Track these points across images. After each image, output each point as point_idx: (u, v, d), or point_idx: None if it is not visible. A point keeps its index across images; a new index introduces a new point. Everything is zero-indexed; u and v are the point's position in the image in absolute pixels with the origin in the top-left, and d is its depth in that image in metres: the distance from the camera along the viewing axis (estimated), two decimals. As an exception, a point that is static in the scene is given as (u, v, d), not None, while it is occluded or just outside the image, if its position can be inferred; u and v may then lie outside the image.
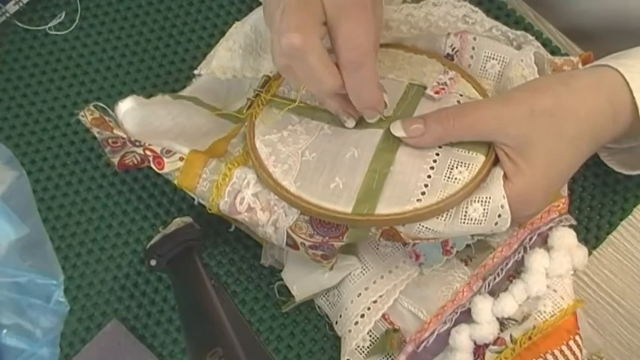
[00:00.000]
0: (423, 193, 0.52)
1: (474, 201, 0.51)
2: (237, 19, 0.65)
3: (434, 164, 0.53)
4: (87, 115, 0.56)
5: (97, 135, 0.57)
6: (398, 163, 0.53)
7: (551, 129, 0.51)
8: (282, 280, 0.60)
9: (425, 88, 0.57)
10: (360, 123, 0.55)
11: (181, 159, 0.55)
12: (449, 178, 0.52)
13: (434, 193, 0.51)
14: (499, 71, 0.60)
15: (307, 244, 0.53)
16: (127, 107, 0.58)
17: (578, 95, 0.52)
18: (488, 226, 0.52)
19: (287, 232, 0.53)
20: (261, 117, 0.57)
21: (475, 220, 0.51)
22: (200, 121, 0.60)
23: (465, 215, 0.51)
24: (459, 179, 0.52)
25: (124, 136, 0.56)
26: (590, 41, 0.67)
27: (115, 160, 0.57)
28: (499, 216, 0.51)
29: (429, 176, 0.52)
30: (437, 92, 0.56)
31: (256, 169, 0.54)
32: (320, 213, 0.52)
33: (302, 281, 0.59)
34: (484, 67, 0.60)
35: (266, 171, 0.54)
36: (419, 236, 0.52)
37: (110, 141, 0.56)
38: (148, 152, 0.55)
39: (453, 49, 0.61)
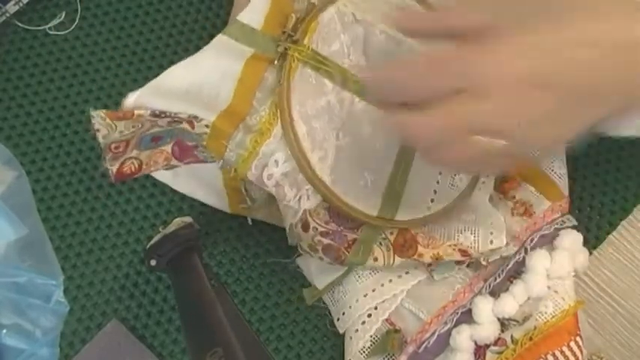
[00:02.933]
0: (432, 200, 0.54)
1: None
2: (237, 20, 0.65)
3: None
4: (99, 116, 0.52)
5: (101, 140, 0.53)
6: (415, 167, 0.54)
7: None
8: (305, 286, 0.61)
9: None
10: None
11: (207, 126, 0.52)
12: (452, 185, 0.55)
13: (440, 201, 0.54)
14: None
15: (320, 229, 0.53)
16: (136, 93, 0.53)
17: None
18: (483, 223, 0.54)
19: (304, 214, 0.53)
20: (297, 76, 0.52)
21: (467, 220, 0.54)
22: (210, 65, 0.54)
23: (459, 219, 0.55)
24: (459, 187, 0.55)
25: (146, 113, 0.52)
26: None
27: (114, 168, 0.55)
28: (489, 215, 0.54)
29: (438, 182, 0.54)
30: None
31: (293, 150, 0.52)
32: (347, 212, 0.52)
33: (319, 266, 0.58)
34: None
35: (304, 157, 0.52)
36: (432, 234, 0.54)
37: (113, 146, 0.54)
38: (176, 119, 0.52)
39: None
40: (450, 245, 0.55)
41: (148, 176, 0.64)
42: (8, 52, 0.67)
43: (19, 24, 0.68)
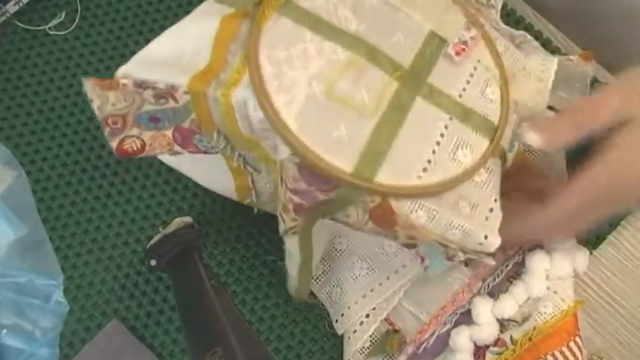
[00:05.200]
0: (425, 170, 0.47)
1: (463, 198, 0.48)
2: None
3: (440, 138, 0.48)
4: (89, 83, 0.50)
5: (97, 112, 0.51)
6: (407, 126, 0.48)
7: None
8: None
9: (445, 42, 0.52)
10: (374, 58, 0.49)
11: (186, 92, 0.49)
12: (453, 158, 0.48)
13: (435, 172, 0.47)
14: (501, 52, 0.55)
15: (289, 185, 0.48)
16: (126, 65, 0.52)
17: None
18: (479, 223, 0.47)
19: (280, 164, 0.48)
20: (271, 24, 0.49)
21: (464, 214, 0.47)
22: (192, 27, 0.52)
23: (456, 206, 0.48)
24: (462, 163, 0.48)
25: (129, 82, 0.50)
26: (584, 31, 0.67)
27: (114, 145, 0.52)
28: (486, 218, 0.48)
29: (434, 151, 0.48)
30: (458, 53, 0.51)
31: (256, 91, 0.47)
32: (316, 163, 0.46)
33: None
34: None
35: (267, 97, 0.47)
36: (411, 217, 0.47)
37: (110, 121, 0.51)
38: (158, 91, 0.50)
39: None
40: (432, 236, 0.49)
41: (148, 176, 0.64)
42: (8, 52, 0.67)
43: (19, 24, 0.68)
